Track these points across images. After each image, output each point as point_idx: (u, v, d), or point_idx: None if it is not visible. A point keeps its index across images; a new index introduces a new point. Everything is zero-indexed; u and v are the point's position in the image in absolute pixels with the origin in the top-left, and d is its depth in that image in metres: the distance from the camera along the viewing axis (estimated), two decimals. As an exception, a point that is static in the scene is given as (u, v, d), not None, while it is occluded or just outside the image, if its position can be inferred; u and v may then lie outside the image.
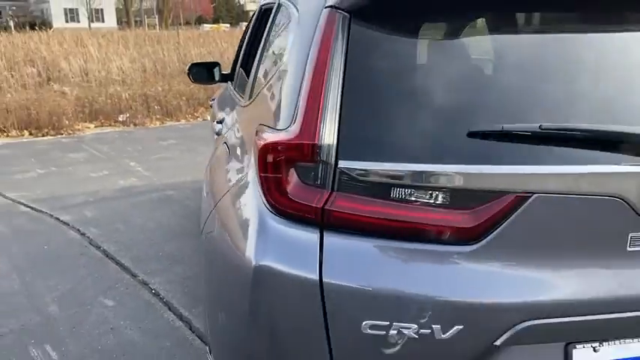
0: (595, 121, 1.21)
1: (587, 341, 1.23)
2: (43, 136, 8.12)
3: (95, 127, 8.78)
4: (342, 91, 1.20)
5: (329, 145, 1.17)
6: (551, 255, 1.19)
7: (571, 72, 1.30)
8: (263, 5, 2.63)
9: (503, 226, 1.14)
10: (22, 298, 3.20)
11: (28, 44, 14.56)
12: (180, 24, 43.03)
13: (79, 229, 4.23)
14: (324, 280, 1.16)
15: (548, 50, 1.32)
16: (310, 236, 1.19)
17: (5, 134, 8.09)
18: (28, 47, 14.09)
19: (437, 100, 1.24)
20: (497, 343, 1.15)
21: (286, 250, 1.21)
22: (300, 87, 1.25)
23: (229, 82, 3.27)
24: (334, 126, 1.17)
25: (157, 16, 51.94)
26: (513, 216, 1.14)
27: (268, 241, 1.24)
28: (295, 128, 1.20)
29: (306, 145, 1.18)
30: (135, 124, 8.93)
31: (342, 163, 1.17)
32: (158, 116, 9.35)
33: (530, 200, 1.13)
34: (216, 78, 3.40)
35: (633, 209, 1.15)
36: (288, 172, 1.20)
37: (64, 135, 8.20)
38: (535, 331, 1.16)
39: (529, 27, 1.39)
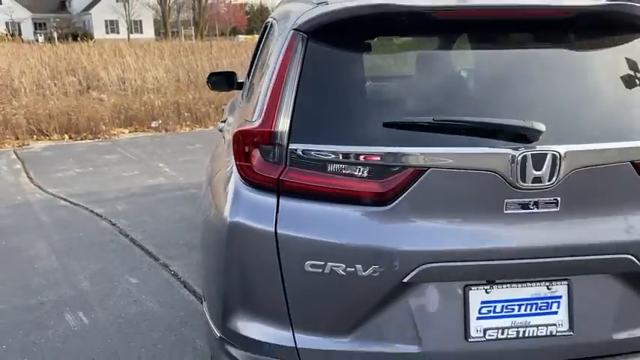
0: (480, 115, 1.60)
1: (479, 285, 1.60)
2: (82, 139, 8.76)
3: (129, 132, 9.39)
4: (296, 93, 1.61)
5: (282, 132, 1.57)
6: (446, 214, 1.56)
7: (467, 82, 1.69)
8: (266, 21, 3.07)
9: (407, 192, 1.52)
10: (60, 276, 3.69)
11: (70, 55, 15.41)
12: (215, 35, 44.23)
13: (110, 220, 4.74)
14: (279, 232, 1.56)
15: (452, 65, 1.73)
16: (270, 200, 1.60)
17: (48, 137, 8.76)
18: (70, 58, 14.92)
19: (361, 101, 1.65)
20: (405, 280, 1.53)
21: (252, 211, 1.63)
22: (267, 90, 1.67)
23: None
24: (288, 118, 1.58)
25: (193, 28, 53.39)
26: (414, 185, 1.52)
27: (239, 205, 1.66)
28: (258, 120, 1.62)
29: (265, 132, 1.59)
30: (166, 130, 9.50)
31: (292, 146, 1.57)
32: (188, 123, 9.90)
33: (426, 173, 1.52)
34: (233, 85, 3.84)
35: (506, 181, 1.52)
36: (253, 152, 1.62)
37: (100, 139, 8.83)
38: (434, 272, 1.53)
39: (440, 48, 1.81)
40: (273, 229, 1.57)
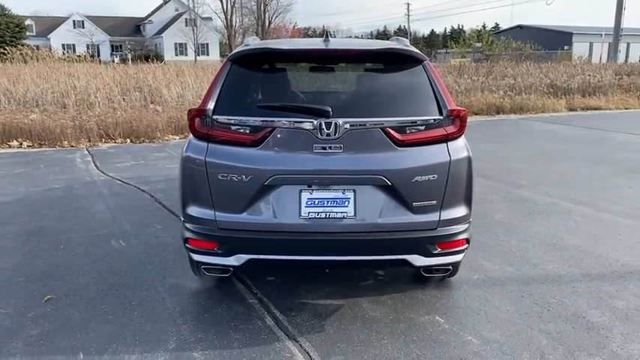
0: (305, 104, 3.17)
1: (306, 189, 3.11)
2: (140, 142, 10.72)
3: (179, 138, 11.26)
4: (220, 90, 3.21)
5: (210, 109, 3.17)
6: (285, 152, 3.08)
7: (304, 86, 3.29)
8: None
9: (266, 140, 3.08)
10: (111, 222, 5.42)
11: (139, 74, 17.56)
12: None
13: (150, 194, 6.48)
14: (207, 159, 3.13)
15: (299, 77, 3.33)
16: (204, 144, 3.18)
17: (113, 140, 10.77)
18: (138, 77, 17.05)
19: (251, 95, 3.28)
20: (266, 183, 3.06)
21: (194, 149, 3.21)
22: (208, 89, 3.29)
23: None
24: (213, 102, 3.18)
25: (254, 50, 56.16)
26: (269, 137, 3.07)
27: (190, 146, 3.26)
28: (201, 104, 3.23)
29: (202, 109, 3.19)
30: (209, 137, 11.27)
31: (214, 116, 3.17)
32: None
33: (275, 130, 3.06)
34: None
35: (313, 135, 3.03)
36: (195, 120, 3.21)
37: (154, 142, 10.76)
38: (280, 180, 3.04)
39: (295, 68, 3.43)
40: (204, 158, 3.15)
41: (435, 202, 3.13)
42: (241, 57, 3.29)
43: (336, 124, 3.01)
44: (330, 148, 3.04)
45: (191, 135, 3.30)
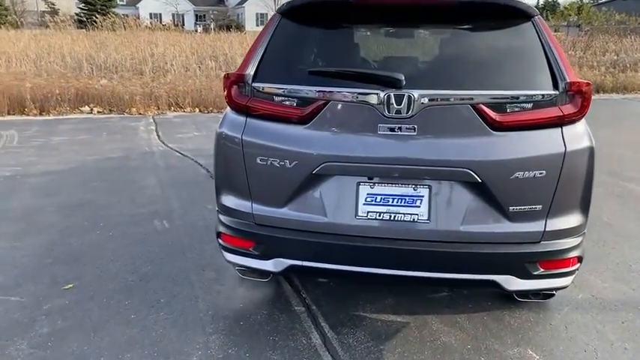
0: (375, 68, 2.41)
1: (366, 182, 2.40)
2: (208, 112, 10.35)
3: (248, 109, 10.79)
4: (264, 51, 2.53)
5: (249, 74, 2.50)
6: (341, 132, 2.38)
7: (366, 48, 2.51)
8: None
9: (317, 116, 2.38)
10: (159, 199, 4.97)
11: (216, 43, 17.40)
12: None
13: (207, 169, 5.99)
14: (244, 138, 2.49)
15: (359, 37, 2.56)
16: (241, 118, 2.54)
17: (182, 109, 10.47)
18: (216, 46, 16.89)
19: (300, 58, 2.55)
20: (314, 172, 2.37)
21: (230, 125, 2.58)
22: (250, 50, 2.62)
23: None
24: (254, 66, 2.51)
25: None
26: (321, 112, 2.37)
27: (225, 121, 2.62)
28: (239, 68, 2.57)
29: (240, 74, 2.53)
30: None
31: (255, 84, 2.50)
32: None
33: (329, 104, 2.36)
34: None
35: (378, 111, 2.30)
36: (233, 88, 2.56)
37: (222, 112, 10.32)
38: (333, 168, 2.34)
39: (355, 26, 2.65)
40: (241, 136, 2.51)
41: (539, 206, 2.33)
42: (294, 8, 2.58)
43: (409, 97, 2.26)
44: (399, 129, 2.31)
45: (228, 107, 2.66)
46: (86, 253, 3.75)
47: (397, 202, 2.38)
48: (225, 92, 2.57)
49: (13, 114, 9.43)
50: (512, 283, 2.39)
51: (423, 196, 2.37)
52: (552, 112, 2.29)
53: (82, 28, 23.04)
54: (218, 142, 2.62)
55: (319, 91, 2.37)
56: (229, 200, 2.64)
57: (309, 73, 2.44)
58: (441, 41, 2.86)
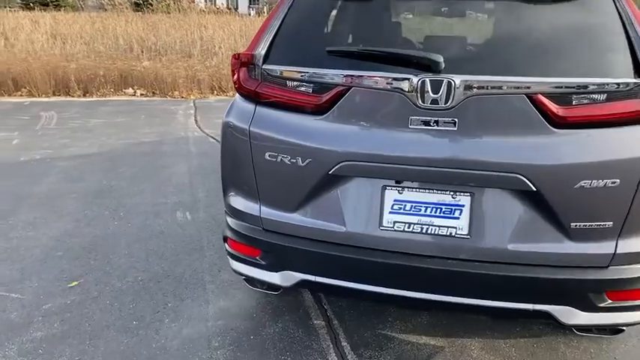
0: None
1: (394, 186, 1.98)
2: (251, 96, 10.05)
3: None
4: (278, 28, 2.15)
5: (259, 55, 2.12)
6: (364, 125, 1.97)
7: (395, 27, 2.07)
8: None
9: (336, 105, 1.97)
10: (186, 188, 4.70)
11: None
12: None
13: (240, 156, 5.69)
14: (251, 129, 2.13)
15: (385, 14, 2.14)
16: (250, 106, 2.17)
17: (225, 93, 10.22)
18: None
19: (317, 38, 2.15)
20: (331, 172, 1.98)
21: (237, 113, 2.21)
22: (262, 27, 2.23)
23: None
24: (266, 46, 2.13)
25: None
26: (340, 100, 1.96)
27: (232, 109, 2.26)
28: (248, 47, 2.19)
29: (249, 54, 2.15)
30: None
31: (265, 66, 2.12)
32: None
33: (350, 90, 1.95)
34: None
35: (410, 100, 1.87)
36: (241, 70, 2.19)
37: (265, 97, 10.04)
38: (353, 168, 1.94)
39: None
40: (248, 127, 2.14)
41: (609, 223, 1.86)
42: None
43: (449, 83, 1.83)
44: (436, 123, 1.88)
45: (237, 93, 2.29)
46: (99, 246, 3.51)
47: (431, 212, 1.96)
48: (234, 74, 2.21)
49: (59, 95, 9.44)
50: (570, 316, 1.94)
51: (463, 206, 1.94)
52: (631, 105, 1.81)
53: (138, 10, 23.33)
54: (224, 133, 2.27)
55: (338, 75, 1.97)
56: (236, 201, 2.30)
57: (327, 52, 2.03)
58: (494, 17, 2.38)
